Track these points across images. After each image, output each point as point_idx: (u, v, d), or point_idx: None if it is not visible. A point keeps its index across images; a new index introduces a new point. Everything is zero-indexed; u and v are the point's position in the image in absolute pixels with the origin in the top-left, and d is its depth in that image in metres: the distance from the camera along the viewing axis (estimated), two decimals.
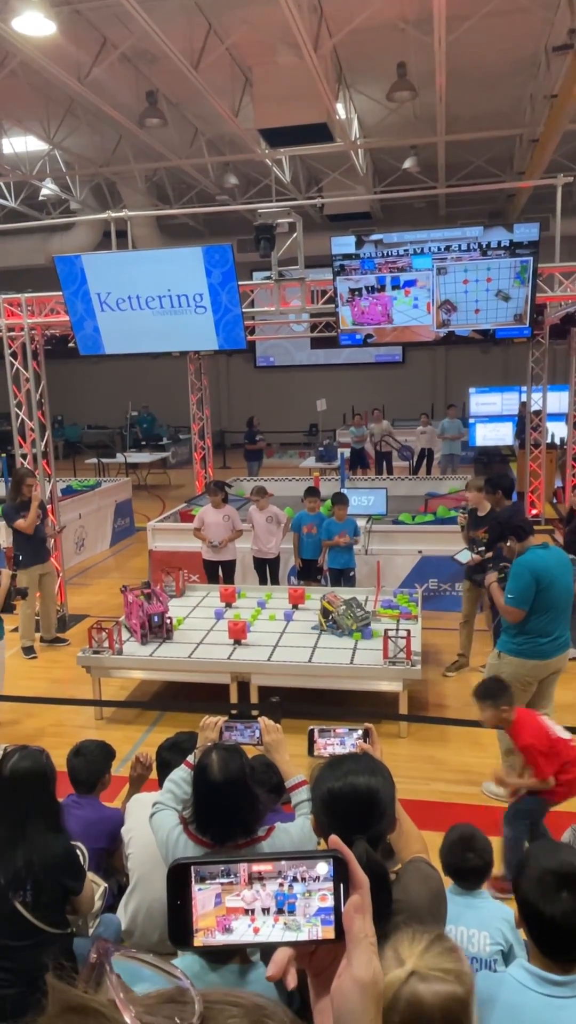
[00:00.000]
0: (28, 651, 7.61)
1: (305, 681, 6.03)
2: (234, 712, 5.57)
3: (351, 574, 8.02)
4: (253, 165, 14.20)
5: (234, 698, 6.04)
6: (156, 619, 6.45)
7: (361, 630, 6.40)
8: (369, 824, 1.68)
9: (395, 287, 7.20)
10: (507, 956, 2.65)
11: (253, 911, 0.80)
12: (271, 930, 0.80)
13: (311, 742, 2.44)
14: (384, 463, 15.96)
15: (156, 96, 10.41)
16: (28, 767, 2.81)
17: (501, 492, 6.58)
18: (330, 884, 0.81)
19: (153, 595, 6.53)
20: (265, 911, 0.80)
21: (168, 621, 6.52)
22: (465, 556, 6.47)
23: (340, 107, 10.51)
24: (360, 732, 2.39)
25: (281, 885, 0.80)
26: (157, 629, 6.45)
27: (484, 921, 2.68)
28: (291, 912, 0.80)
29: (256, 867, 0.80)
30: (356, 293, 7.27)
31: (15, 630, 7.43)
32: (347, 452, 14.69)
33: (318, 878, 0.81)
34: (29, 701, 6.27)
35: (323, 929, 0.80)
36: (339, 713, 5.78)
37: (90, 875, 2.93)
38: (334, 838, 0.83)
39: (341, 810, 1.71)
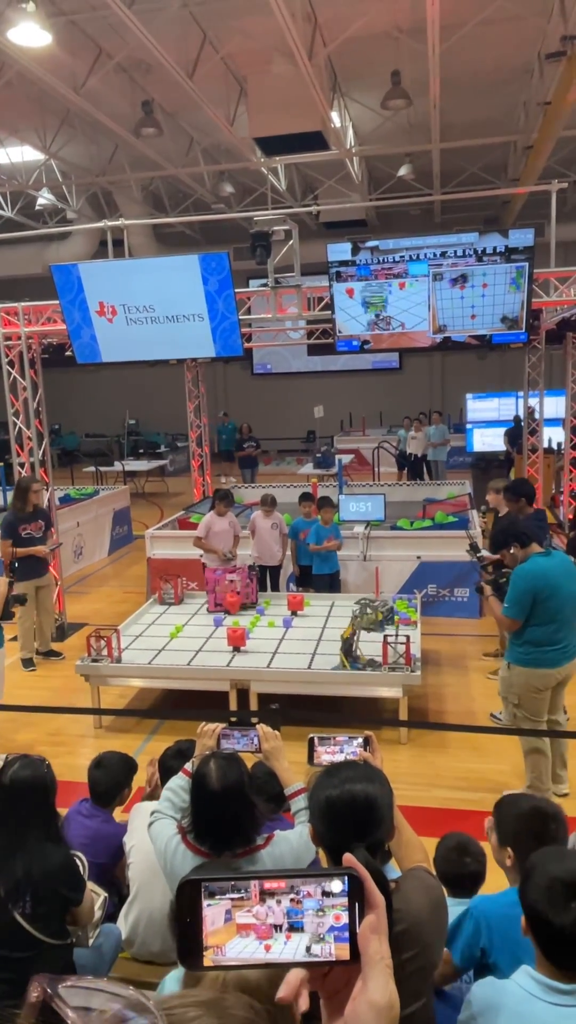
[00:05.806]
0: (27, 663, 7.58)
1: (305, 688, 6.01)
2: (233, 720, 5.55)
3: (339, 578, 8.08)
4: (249, 173, 14.25)
5: (233, 705, 6.03)
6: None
7: (388, 619, 6.58)
8: (367, 832, 1.68)
9: None
10: None
11: (264, 928, 0.76)
12: (283, 947, 0.76)
13: (311, 750, 2.43)
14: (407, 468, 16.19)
15: (152, 106, 10.44)
16: (28, 776, 2.78)
17: (524, 499, 6.28)
18: (344, 903, 0.77)
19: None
20: (277, 928, 0.76)
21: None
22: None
23: (335, 115, 10.55)
24: (360, 740, 2.38)
25: (293, 901, 0.77)
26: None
27: None
28: (302, 929, 0.76)
29: (268, 884, 0.77)
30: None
31: (15, 639, 7.41)
32: (345, 459, 14.72)
33: (332, 896, 0.77)
34: (28, 710, 6.24)
35: (337, 949, 0.76)
36: (339, 720, 5.76)
37: (90, 885, 2.90)
38: (348, 856, 0.80)
39: (339, 818, 1.70)
